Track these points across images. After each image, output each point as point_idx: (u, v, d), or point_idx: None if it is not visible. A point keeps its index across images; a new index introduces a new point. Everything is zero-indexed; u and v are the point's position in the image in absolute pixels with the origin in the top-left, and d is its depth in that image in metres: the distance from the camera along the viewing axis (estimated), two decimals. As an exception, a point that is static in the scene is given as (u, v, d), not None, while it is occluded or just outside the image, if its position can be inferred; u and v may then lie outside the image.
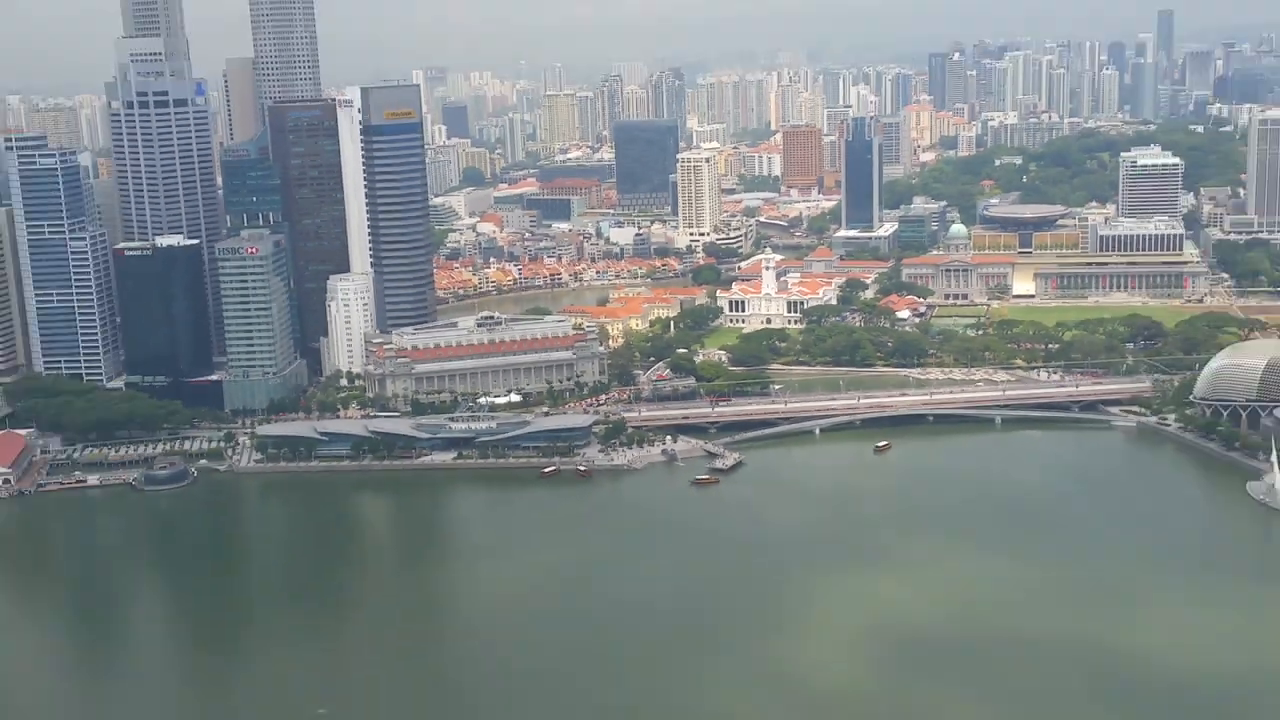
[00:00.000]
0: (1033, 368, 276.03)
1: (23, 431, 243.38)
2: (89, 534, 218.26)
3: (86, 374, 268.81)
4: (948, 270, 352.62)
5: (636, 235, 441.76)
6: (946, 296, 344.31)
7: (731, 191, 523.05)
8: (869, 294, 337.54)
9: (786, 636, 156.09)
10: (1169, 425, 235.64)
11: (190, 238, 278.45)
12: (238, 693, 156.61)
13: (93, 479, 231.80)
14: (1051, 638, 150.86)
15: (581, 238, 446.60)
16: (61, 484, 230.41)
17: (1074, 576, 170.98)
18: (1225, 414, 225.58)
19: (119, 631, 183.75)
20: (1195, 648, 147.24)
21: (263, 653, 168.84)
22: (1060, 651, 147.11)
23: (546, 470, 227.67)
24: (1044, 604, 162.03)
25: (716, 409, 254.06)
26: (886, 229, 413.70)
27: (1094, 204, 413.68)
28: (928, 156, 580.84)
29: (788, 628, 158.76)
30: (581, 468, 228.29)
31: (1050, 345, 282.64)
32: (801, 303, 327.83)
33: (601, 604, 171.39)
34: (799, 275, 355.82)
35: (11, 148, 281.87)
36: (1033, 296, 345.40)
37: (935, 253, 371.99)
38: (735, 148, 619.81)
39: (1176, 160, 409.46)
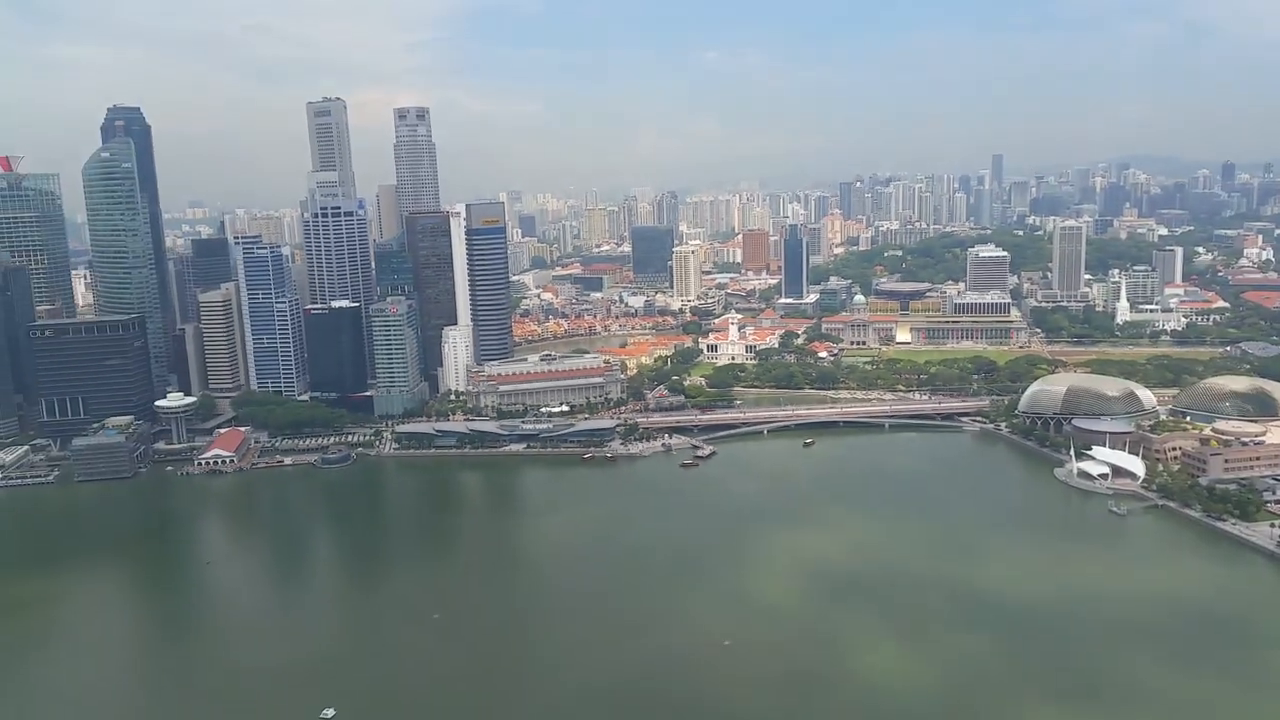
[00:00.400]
0: (910, 391, 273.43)
1: (243, 429, 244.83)
2: (284, 497, 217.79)
3: (285, 390, 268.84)
4: (853, 325, 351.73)
5: (646, 301, 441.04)
6: (852, 343, 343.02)
7: (709, 272, 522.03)
8: (800, 340, 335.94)
9: (744, 570, 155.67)
10: (1002, 430, 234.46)
11: (354, 302, 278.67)
12: (381, 599, 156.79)
13: (287, 460, 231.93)
14: (923, 574, 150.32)
15: (609, 303, 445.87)
16: (268, 464, 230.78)
17: (937, 532, 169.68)
18: (1039, 423, 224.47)
19: (303, 560, 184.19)
20: (1019, 580, 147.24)
21: (398, 575, 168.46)
22: (928, 583, 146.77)
23: (585, 456, 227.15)
24: (917, 551, 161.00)
25: (700, 416, 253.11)
26: (812, 298, 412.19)
27: (950, 282, 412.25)
28: (839, 250, 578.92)
29: (745, 564, 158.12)
30: (608, 455, 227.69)
31: (921, 376, 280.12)
32: (755, 346, 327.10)
33: (620, 546, 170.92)
34: (753, 328, 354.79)
35: (239, 243, 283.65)
36: (910, 343, 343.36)
37: (844, 314, 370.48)
38: (711, 244, 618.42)
39: (1005, 253, 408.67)
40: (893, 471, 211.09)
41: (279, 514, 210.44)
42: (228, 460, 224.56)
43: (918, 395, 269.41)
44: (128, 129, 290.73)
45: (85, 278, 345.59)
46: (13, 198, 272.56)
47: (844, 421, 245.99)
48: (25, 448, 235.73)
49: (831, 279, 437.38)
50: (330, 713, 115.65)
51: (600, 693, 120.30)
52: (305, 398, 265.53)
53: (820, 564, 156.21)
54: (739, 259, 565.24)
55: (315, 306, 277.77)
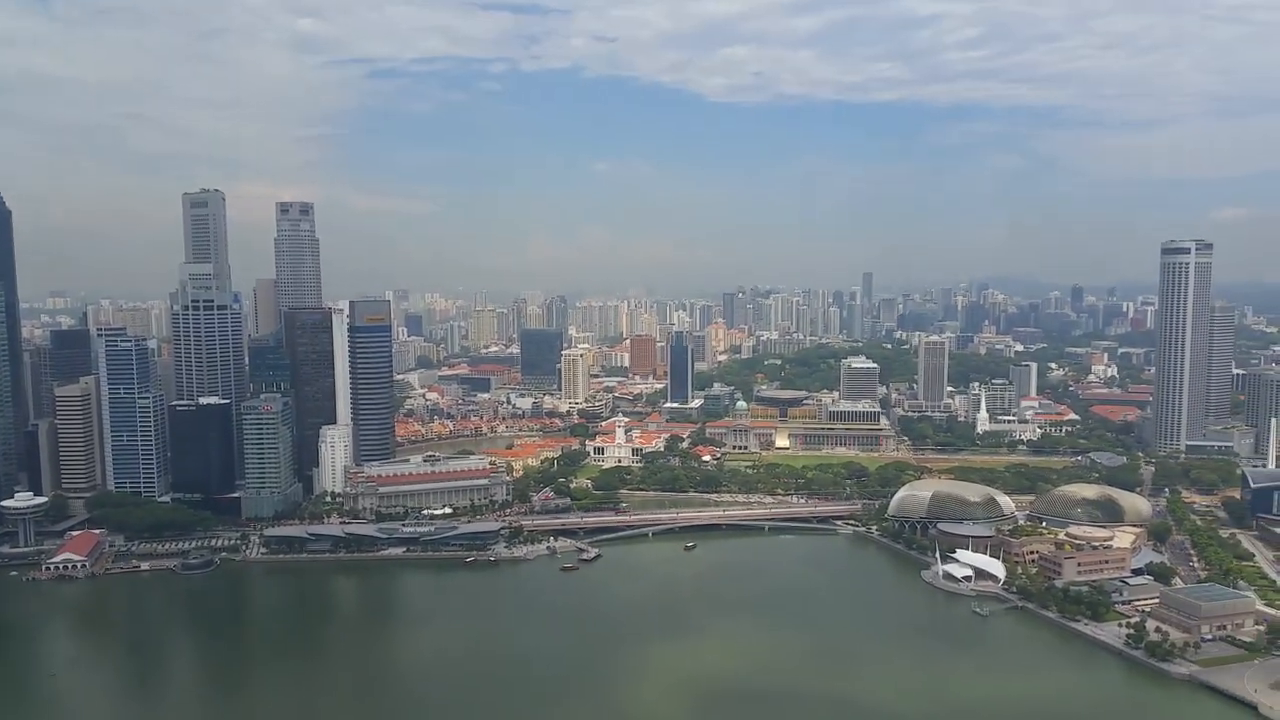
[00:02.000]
0: (788, 494, 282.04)
1: (97, 531, 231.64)
2: (140, 605, 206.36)
3: (144, 491, 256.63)
4: (735, 430, 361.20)
5: (534, 403, 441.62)
6: (734, 447, 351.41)
7: (596, 375, 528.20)
8: (685, 444, 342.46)
9: (624, 685, 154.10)
10: (873, 533, 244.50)
11: (224, 398, 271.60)
12: (241, 709, 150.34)
13: (145, 565, 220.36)
14: (802, 688, 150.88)
15: (496, 404, 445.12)
16: (123, 569, 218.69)
17: (816, 640, 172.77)
18: (907, 526, 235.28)
19: (158, 672, 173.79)
20: (895, 692, 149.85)
21: (259, 689, 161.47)
22: (809, 697, 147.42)
23: (468, 560, 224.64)
24: (797, 662, 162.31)
25: (585, 519, 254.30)
26: (696, 402, 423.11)
27: (825, 390, 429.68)
28: (722, 357, 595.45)
29: (625, 678, 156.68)
30: (491, 558, 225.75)
31: (799, 480, 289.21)
32: (641, 449, 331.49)
33: (497, 658, 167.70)
34: (639, 431, 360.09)
35: (101, 335, 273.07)
36: (788, 449, 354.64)
37: (727, 419, 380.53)
38: (599, 348, 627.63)
39: (875, 365, 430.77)
40: (772, 574, 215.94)
41: (133, 623, 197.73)
42: (79, 565, 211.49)
43: (795, 499, 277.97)
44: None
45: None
46: None
47: (726, 525, 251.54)
48: None
49: (715, 385, 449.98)
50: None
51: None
52: (167, 499, 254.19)
53: (701, 678, 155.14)
54: (626, 363, 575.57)
55: (181, 403, 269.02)
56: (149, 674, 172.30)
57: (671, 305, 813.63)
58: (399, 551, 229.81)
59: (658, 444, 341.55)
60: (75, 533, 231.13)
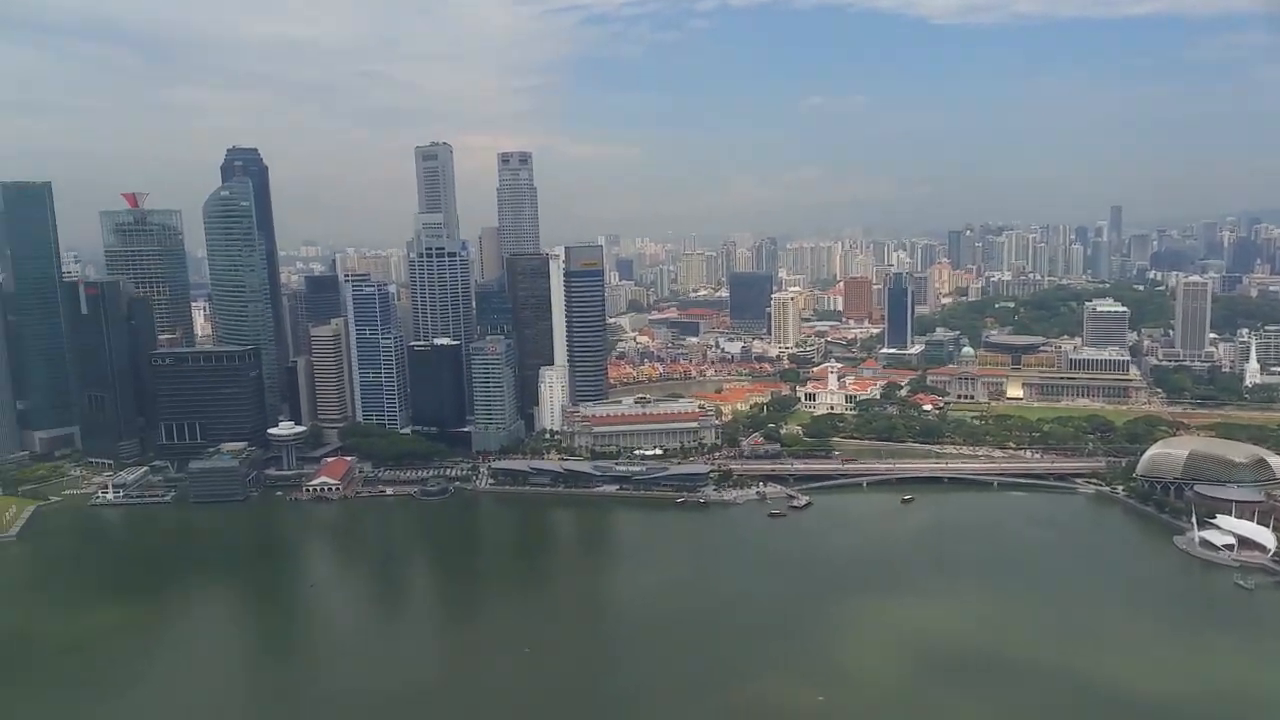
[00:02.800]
0: (1020, 449, 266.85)
1: (348, 458, 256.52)
2: (385, 526, 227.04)
3: (388, 423, 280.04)
4: (960, 378, 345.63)
5: (742, 347, 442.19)
6: (959, 396, 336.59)
7: (808, 319, 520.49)
8: (903, 392, 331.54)
9: (835, 634, 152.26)
10: (1118, 494, 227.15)
11: (455, 340, 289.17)
12: (473, 630, 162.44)
13: (389, 490, 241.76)
14: (1037, 659, 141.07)
15: (705, 348, 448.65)
16: (370, 493, 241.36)
17: (1052, 609, 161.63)
18: (1158, 487, 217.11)
19: (401, 587, 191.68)
20: (1148, 671, 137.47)
21: (490, 607, 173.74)
22: (1044, 670, 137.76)
23: (678, 500, 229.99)
24: (1030, 631, 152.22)
25: (796, 465, 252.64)
26: (916, 348, 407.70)
27: (1065, 337, 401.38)
28: (946, 300, 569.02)
29: (836, 628, 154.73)
30: (701, 500, 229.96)
31: (1033, 433, 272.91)
32: (855, 396, 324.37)
33: (709, 595, 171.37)
34: (853, 378, 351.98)
35: (348, 281, 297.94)
36: (1021, 399, 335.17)
37: (951, 366, 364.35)
38: (811, 291, 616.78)
39: (1124, 309, 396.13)
40: (1001, 533, 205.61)
41: (379, 542, 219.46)
42: (333, 488, 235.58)
43: (1029, 453, 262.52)
44: (246, 169, 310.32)
45: (204, 310, 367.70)
46: (138, 232, 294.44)
47: (949, 478, 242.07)
48: (145, 468, 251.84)
49: (938, 330, 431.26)
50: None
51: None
52: (407, 431, 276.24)
53: (923, 640, 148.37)
54: (840, 307, 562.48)
55: (418, 343, 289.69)
56: (393, 590, 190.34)
57: (890, 245, 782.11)
58: (612, 489, 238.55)
59: (873, 391, 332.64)
60: (329, 459, 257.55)
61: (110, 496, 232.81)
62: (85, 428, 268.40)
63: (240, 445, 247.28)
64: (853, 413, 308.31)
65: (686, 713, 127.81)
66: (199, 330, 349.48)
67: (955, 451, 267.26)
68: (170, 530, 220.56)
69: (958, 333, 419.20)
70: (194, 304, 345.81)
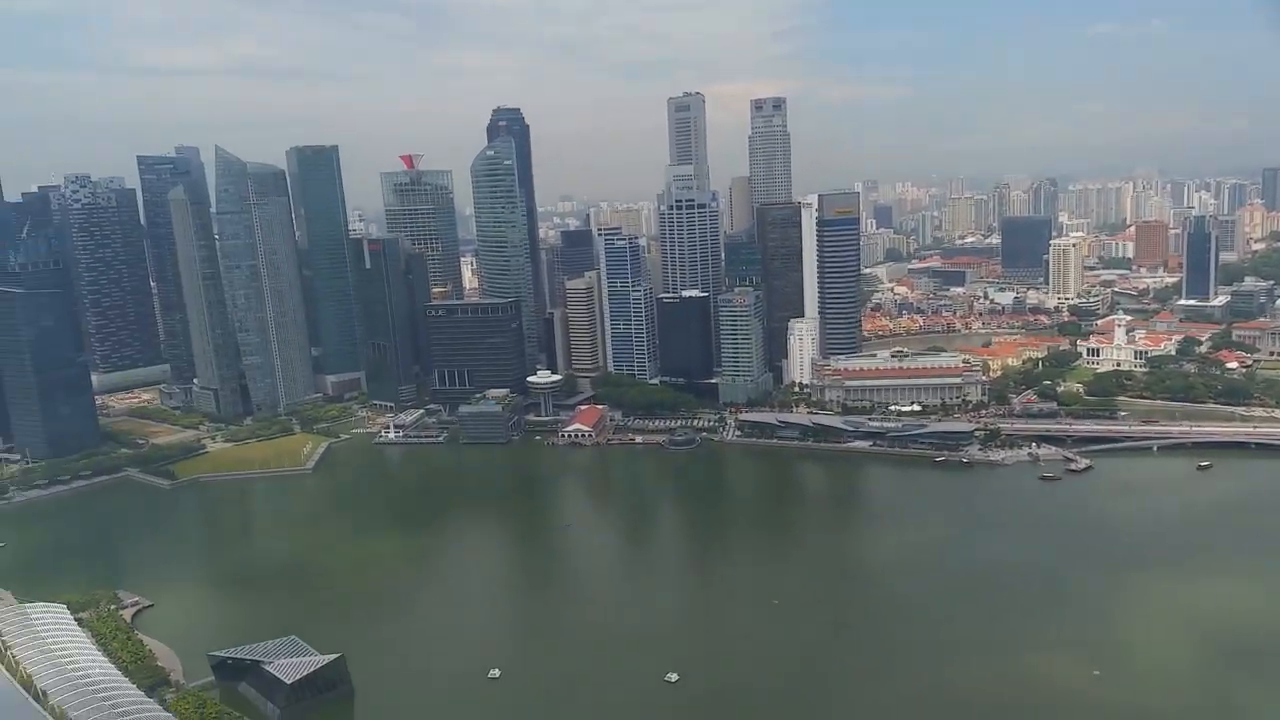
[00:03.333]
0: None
1: (600, 406, 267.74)
2: (635, 473, 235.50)
3: (637, 374, 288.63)
4: (1272, 334, 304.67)
5: (1014, 297, 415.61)
6: (1271, 353, 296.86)
7: (1091, 268, 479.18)
8: (1203, 348, 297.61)
9: (1121, 614, 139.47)
10: None
11: (703, 292, 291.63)
12: (721, 579, 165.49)
13: (638, 439, 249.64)
14: None
15: (971, 299, 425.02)
16: (621, 440, 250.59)
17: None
18: None
19: (650, 532, 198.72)
20: None
21: (737, 558, 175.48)
22: None
23: (937, 459, 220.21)
24: None
25: (1074, 425, 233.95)
26: (1220, 300, 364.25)
27: None
28: (1258, 245, 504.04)
29: (1121, 606, 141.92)
30: (964, 459, 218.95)
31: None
32: (1145, 352, 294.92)
33: (968, 560, 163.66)
34: (1144, 332, 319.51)
35: (601, 234, 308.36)
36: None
37: (1262, 320, 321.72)
38: (1096, 236, 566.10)
39: None
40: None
41: (630, 488, 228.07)
42: (587, 435, 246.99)
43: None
44: (509, 129, 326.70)
45: (471, 264, 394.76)
46: (413, 192, 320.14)
47: (1256, 443, 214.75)
48: (421, 411, 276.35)
49: (1247, 279, 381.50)
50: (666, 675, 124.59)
51: (940, 703, 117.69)
52: (656, 381, 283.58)
53: (1227, 625, 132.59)
54: (1129, 254, 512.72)
55: (667, 295, 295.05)
56: (643, 534, 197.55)
57: (1191, 185, 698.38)
58: (864, 445, 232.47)
59: (1167, 346, 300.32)
60: (583, 407, 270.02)
61: (391, 436, 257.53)
62: (369, 373, 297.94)
63: (503, 392, 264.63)
64: (1142, 370, 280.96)
65: (945, 680, 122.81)
66: (466, 284, 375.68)
67: (1265, 414, 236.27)
68: (443, 468, 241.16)
69: (1271, 282, 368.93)
70: (462, 259, 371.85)
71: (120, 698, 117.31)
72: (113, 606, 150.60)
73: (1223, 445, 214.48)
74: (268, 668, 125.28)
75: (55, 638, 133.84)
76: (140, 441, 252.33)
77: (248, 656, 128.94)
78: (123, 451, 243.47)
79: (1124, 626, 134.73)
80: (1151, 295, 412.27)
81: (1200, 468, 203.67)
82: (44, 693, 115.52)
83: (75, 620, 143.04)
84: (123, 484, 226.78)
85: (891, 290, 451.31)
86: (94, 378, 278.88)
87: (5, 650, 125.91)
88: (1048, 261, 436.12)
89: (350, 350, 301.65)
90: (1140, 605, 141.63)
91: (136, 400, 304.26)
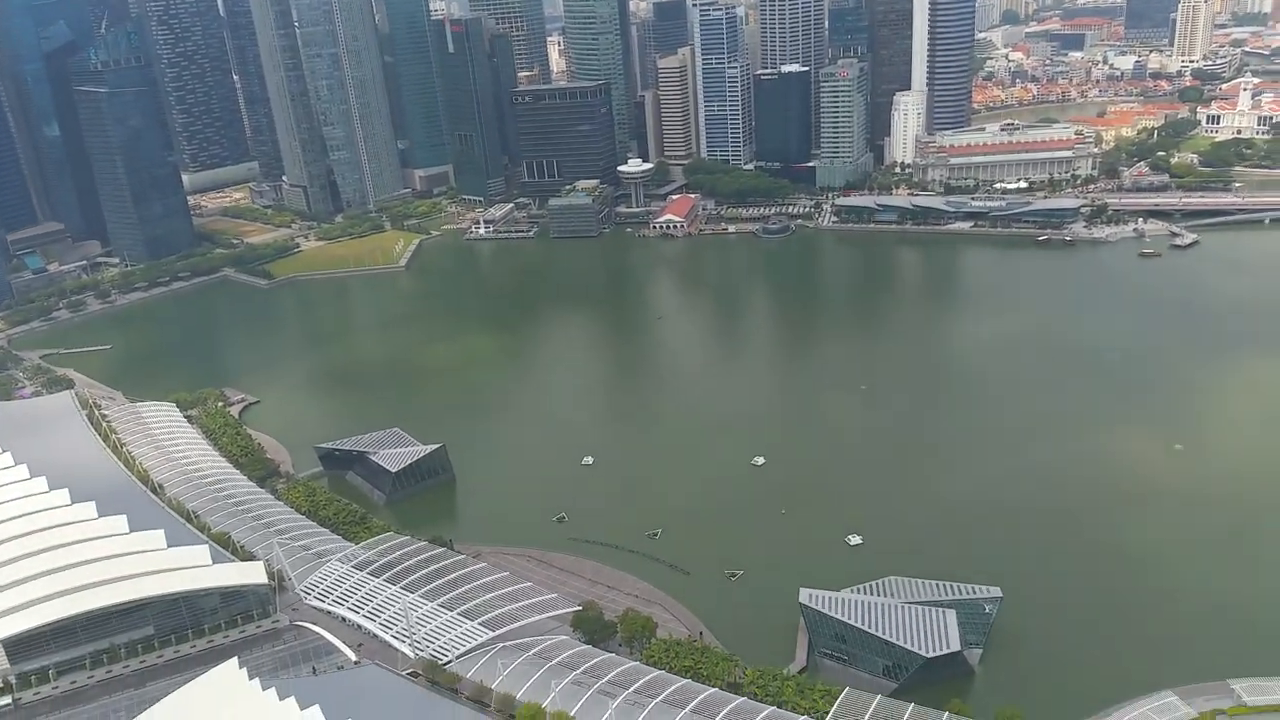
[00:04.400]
0: None
1: (692, 195, 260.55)
2: (727, 263, 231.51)
3: (731, 159, 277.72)
4: None
5: (1136, 62, 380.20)
6: None
7: (1223, 26, 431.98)
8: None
9: (1216, 395, 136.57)
10: None
11: (804, 66, 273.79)
12: (811, 365, 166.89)
13: (731, 228, 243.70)
14: None
15: (1090, 64, 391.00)
16: (713, 230, 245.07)
17: None
18: None
19: (741, 322, 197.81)
20: None
21: (828, 344, 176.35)
22: None
23: (1040, 239, 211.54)
24: None
25: (1184, 199, 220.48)
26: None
27: None
28: None
29: (1203, 381, 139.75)
30: (1067, 238, 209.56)
31: None
32: (1271, 117, 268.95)
33: (1060, 339, 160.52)
34: (1272, 95, 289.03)
35: (695, 6, 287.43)
36: None
37: None
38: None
39: None
40: None
41: (722, 278, 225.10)
42: (678, 225, 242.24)
43: None
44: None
45: (558, 44, 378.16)
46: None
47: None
48: (511, 205, 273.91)
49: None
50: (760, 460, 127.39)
51: (1023, 478, 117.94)
52: (750, 167, 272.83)
53: None
54: (1267, 9, 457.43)
55: (765, 72, 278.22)
56: (734, 324, 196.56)
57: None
58: (965, 226, 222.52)
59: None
60: (674, 196, 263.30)
61: (481, 231, 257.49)
62: (457, 166, 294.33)
63: (593, 183, 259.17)
64: (1265, 138, 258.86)
65: (1030, 458, 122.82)
66: (554, 67, 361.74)
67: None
68: (534, 263, 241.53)
69: None
70: (549, 39, 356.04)
71: (234, 489, 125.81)
72: (220, 404, 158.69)
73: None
74: (373, 458, 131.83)
75: (168, 434, 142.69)
76: (235, 242, 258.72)
77: (354, 448, 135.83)
78: (219, 252, 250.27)
79: (1213, 406, 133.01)
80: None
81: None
82: (160, 486, 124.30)
83: (185, 417, 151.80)
84: (221, 284, 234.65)
85: (1006, 57, 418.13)
86: (184, 178, 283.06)
87: (121, 447, 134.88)
88: (1175, 20, 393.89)
89: (437, 143, 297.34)
90: (1231, 385, 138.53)
91: (228, 200, 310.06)
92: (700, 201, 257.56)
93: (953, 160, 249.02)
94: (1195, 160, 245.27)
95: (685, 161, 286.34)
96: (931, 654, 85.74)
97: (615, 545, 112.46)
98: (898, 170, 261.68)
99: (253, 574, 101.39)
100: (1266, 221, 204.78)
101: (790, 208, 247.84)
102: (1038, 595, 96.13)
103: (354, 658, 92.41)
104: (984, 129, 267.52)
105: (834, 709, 79.18)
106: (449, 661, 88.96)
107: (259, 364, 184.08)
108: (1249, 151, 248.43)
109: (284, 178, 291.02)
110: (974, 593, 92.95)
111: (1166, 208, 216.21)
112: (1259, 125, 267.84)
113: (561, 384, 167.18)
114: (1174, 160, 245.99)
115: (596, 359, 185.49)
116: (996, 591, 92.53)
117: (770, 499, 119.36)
